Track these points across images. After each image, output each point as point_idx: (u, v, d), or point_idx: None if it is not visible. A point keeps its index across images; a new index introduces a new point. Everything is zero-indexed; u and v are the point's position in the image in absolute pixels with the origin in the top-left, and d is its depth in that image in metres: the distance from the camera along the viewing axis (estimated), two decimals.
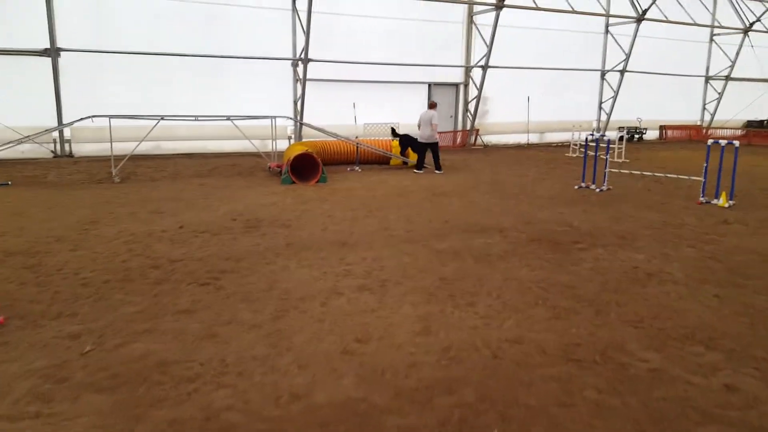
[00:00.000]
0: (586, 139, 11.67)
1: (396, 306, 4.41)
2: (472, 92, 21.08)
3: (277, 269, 5.31)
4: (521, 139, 22.68)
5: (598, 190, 10.98)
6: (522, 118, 22.30)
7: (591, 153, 11.53)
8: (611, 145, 16.73)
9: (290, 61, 16.97)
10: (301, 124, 13.99)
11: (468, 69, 20.92)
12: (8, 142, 10.26)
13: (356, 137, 16.76)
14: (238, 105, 14.94)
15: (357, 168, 13.41)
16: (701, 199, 9.80)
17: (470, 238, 6.77)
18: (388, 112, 19.20)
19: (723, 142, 9.77)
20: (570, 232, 7.29)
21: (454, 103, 21.37)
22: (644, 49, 23.39)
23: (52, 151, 13.74)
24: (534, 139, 23.03)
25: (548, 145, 21.96)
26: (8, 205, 8.22)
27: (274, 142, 12.39)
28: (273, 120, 11.85)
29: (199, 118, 11.09)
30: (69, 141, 13.82)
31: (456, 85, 21.12)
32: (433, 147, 13.31)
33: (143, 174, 11.28)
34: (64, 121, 13.16)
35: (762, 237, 7.27)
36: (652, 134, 25.38)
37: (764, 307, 4.70)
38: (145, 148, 14.58)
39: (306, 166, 11.09)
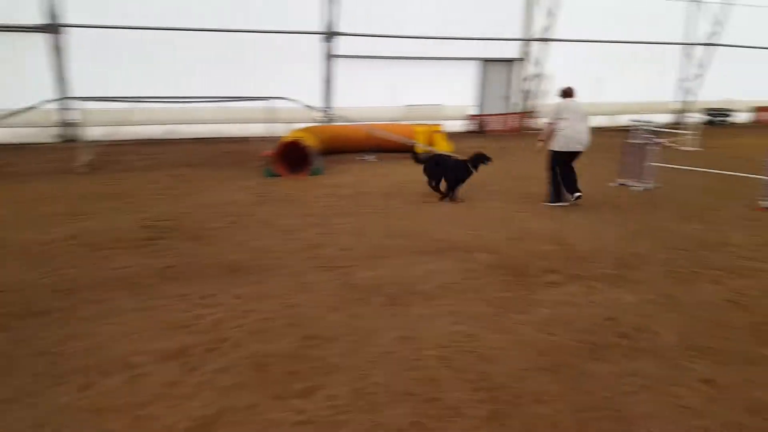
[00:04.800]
0: (628, 126, 9.64)
1: (177, 400, 3.02)
2: (531, 70, 18.89)
3: (99, 313, 4.09)
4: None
5: (639, 188, 9.02)
6: (589, 99, 19.71)
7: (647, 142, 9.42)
8: (680, 131, 14.33)
9: (319, 36, 15.70)
10: (309, 106, 12.65)
11: (526, 43, 18.71)
12: None
13: (394, 121, 15.41)
14: (262, 85, 13.81)
15: (368, 157, 12.08)
16: (763, 203, 7.66)
17: (415, 263, 5.35)
18: (434, 92, 17.56)
19: None
20: (554, 255, 5.66)
21: (508, 82, 19.28)
22: (739, 19, 19.87)
23: (60, 136, 13.43)
24: (604, 122, 20.40)
25: (618, 129, 19.34)
26: None
27: (272, 127, 11.28)
28: (269, 102, 10.75)
29: (186, 101, 10.26)
30: (76, 125, 13.39)
31: (511, 62, 19.00)
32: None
33: (124, 163, 10.53)
34: (70, 103, 12.78)
35: None
36: (746, 117, 21.80)
37: None
38: (158, 132, 14.01)
39: (300, 155, 9.96)
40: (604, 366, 3.52)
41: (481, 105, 18.76)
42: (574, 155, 7.71)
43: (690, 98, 20.91)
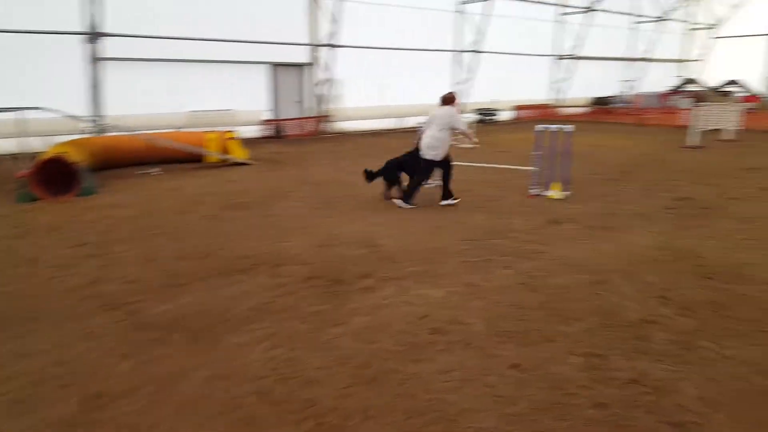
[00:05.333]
0: (418, 128, 10.20)
1: None
2: (321, 74, 19.13)
3: None
4: (380, 125, 21.18)
5: (432, 185, 9.62)
6: (379, 102, 20.77)
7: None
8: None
9: (83, 36, 13.76)
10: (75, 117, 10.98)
11: (314, 48, 18.89)
12: None
13: (179, 129, 14.28)
14: (11, 93, 11.52)
15: (152, 171, 10.98)
16: (533, 191, 8.74)
17: (220, 286, 4.86)
18: (225, 97, 16.70)
19: (554, 127, 8.72)
20: (367, 258, 5.65)
21: (301, 87, 19.29)
22: (496, 29, 22.83)
23: None
24: (393, 124, 21.64)
25: (407, 131, 20.64)
26: None
27: (27, 142, 9.54)
28: (21, 113, 9.04)
29: None
30: None
31: (301, 66, 19.03)
32: (444, 167, 8.05)
33: None
34: None
35: (591, 243, 6.12)
36: (509, 115, 25.13)
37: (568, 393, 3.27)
38: None
39: (65, 173, 8.53)
40: (424, 366, 3.52)
41: (276, 110, 18.50)
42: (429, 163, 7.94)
43: (463, 100, 23.30)
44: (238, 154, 12.24)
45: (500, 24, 22.93)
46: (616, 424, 2.92)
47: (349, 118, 20.21)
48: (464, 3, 22.19)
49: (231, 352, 3.67)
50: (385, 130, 21.01)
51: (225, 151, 12.07)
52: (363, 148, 15.41)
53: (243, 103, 17.16)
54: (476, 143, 7.93)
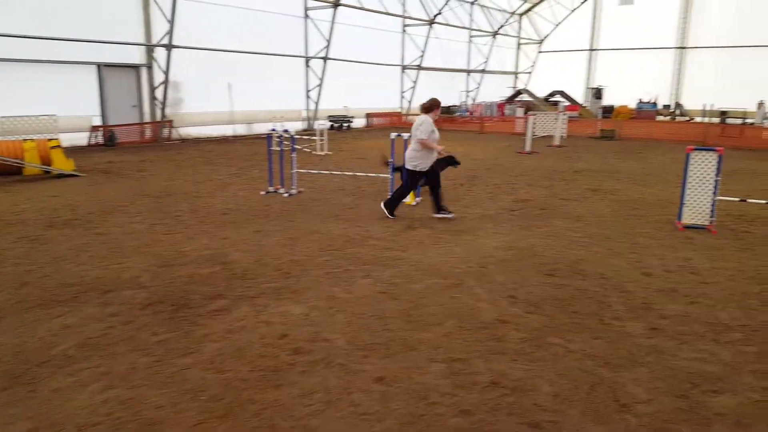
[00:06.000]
0: (269, 135, 9.86)
1: None
2: (159, 77, 17.75)
3: None
4: (226, 130, 20.23)
5: (286, 194, 9.31)
6: (225, 107, 19.84)
7: (287, 149, 9.77)
8: (312, 138, 15.76)
9: None
10: None
11: (149, 48, 17.46)
12: None
13: None
14: None
15: None
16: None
17: (40, 320, 4.12)
18: (41, 102, 14.66)
19: (406, 135, 8.92)
20: (216, 277, 5.20)
21: (137, 90, 17.70)
22: (346, 37, 23.12)
23: None
24: (242, 130, 20.82)
25: (257, 137, 19.95)
26: None
27: None
28: None
29: None
30: None
31: (136, 68, 17.48)
32: (429, 179, 7.79)
33: None
34: None
35: (445, 246, 6.30)
36: (360, 122, 25.55)
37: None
38: None
39: None
40: (284, 391, 3.27)
41: (107, 114, 16.76)
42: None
43: (316, 106, 23.22)
44: (63, 164, 10.83)
45: (350, 33, 23.32)
46: (481, 431, 2.92)
47: (193, 124, 19.04)
48: (310, 9, 22.11)
49: (55, 398, 3.09)
50: (234, 136, 20.17)
51: (46, 161, 10.60)
52: (208, 155, 14.55)
53: (67, 107, 15.28)
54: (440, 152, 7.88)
